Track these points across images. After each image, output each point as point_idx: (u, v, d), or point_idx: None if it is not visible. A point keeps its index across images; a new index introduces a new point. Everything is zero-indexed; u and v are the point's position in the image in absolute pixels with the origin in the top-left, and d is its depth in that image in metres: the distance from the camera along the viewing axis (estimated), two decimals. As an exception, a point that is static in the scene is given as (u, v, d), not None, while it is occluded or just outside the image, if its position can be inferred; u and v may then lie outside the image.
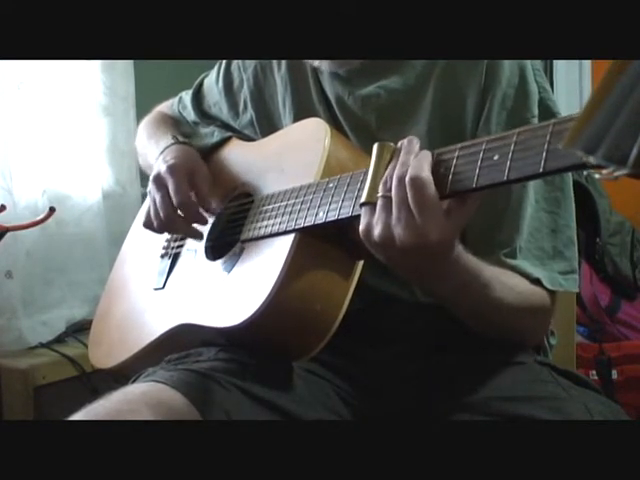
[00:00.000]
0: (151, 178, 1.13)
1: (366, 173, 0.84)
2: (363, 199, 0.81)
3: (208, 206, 1.12)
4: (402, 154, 0.80)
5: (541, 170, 0.67)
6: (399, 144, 0.83)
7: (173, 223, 1.10)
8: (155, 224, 1.12)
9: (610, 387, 2.12)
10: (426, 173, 0.77)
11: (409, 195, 0.77)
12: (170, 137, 1.22)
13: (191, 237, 1.14)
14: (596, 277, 2.29)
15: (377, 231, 0.79)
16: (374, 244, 0.80)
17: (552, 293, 0.98)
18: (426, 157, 0.78)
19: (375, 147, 0.84)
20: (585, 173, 2.13)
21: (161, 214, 1.09)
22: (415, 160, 0.78)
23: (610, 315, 2.29)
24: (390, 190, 0.79)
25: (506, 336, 0.97)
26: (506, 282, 0.92)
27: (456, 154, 0.77)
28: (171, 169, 1.10)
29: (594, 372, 2.16)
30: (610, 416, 0.88)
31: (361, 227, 0.81)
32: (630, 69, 0.49)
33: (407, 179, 0.77)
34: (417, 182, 0.76)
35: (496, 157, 0.72)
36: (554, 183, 0.99)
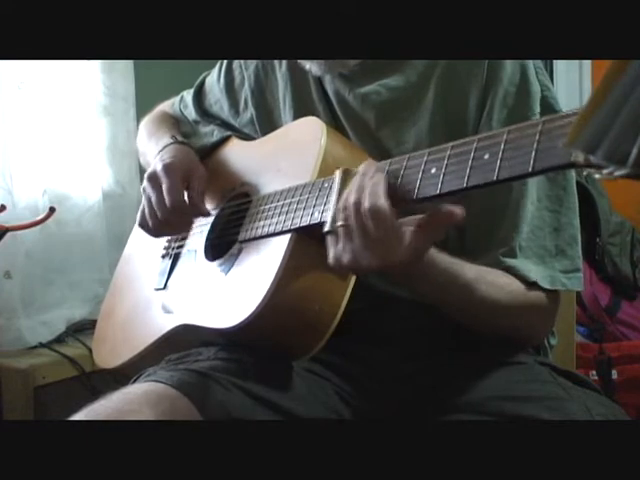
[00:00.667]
0: (146, 176, 1.12)
1: (328, 201, 0.85)
2: (327, 228, 0.83)
3: (202, 207, 1.11)
4: (358, 177, 0.82)
5: (530, 169, 0.67)
6: (359, 168, 0.84)
7: (167, 223, 1.10)
8: (150, 223, 1.11)
9: (610, 387, 2.11)
10: (382, 200, 0.78)
11: (369, 224, 0.78)
12: (169, 136, 1.22)
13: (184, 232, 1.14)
14: (596, 277, 2.29)
15: (346, 259, 0.81)
16: (345, 269, 0.82)
17: (553, 292, 0.98)
18: (380, 183, 0.79)
19: (337, 173, 0.85)
20: (585, 173, 2.14)
21: (157, 213, 1.09)
22: (370, 187, 0.79)
23: (610, 315, 2.29)
24: (349, 218, 0.80)
25: (499, 334, 0.97)
26: (494, 281, 0.93)
27: (448, 153, 0.77)
28: (167, 168, 1.10)
29: (594, 372, 2.16)
30: (610, 416, 0.88)
31: (330, 256, 0.82)
32: (630, 69, 0.49)
33: (364, 208, 0.78)
34: (374, 210, 0.77)
35: (486, 156, 0.72)
36: (557, 181, 0.99)
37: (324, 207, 0.89)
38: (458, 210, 0.77)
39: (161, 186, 1.09)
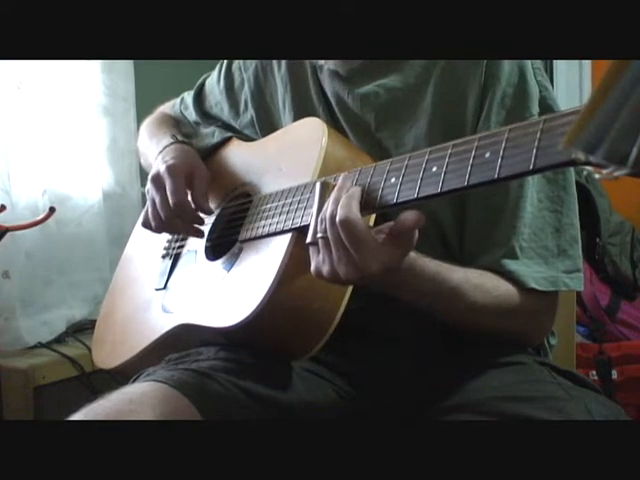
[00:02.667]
0: (149, 178, 1.13)
1: (311, 214, 0.85)
2: (308, 239, 0.84)
3: (205, 207, 1.12)
4: (335, 191, 0.83)
5: (531, 167, 0.67)
6: (337, 181, 0.85)
7: (172, 223, 1.11)
8: (153, 224, 1.12)
9: (610, 387, 2.11)
10: (354, 213, 0.79)
11: (342, 235, 0.79)
12: (170, 136, 1.22)
13: (192, 236, 1.14)
14: (596, 277, 2.29)
15: (325, 270, 0.82)
16: (326, 279, 0.83)
17: (551, 294, 0.98)
18: (354, 195, 0.80)
19: (317, 185, 0.85)
20: (585, 173, 2.14)
21: (161, 214, 1.10)
22: (345, 199, 0.80)
23: (610, 315, 2.29)
24: (326, 231, 0.81)
25: (492, 336, 0.97)
26: (481, 285, 0.93)
27: (449, 151, 0.77)
28: (169, 169, 1.10)
29: (594, 372, 2.16)
30: (610, 416, 0.88)
31: (312, 267, 0.84)
32: (630, 69, 0.49)
33: (337, 220, 0.79)
34: (346, 223, 0.78)
35: (488, 155, 0.72)
36: (557, 182, 0.99)
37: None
38: (419, 215, 0.78)
39: (165, 187, 1.09)
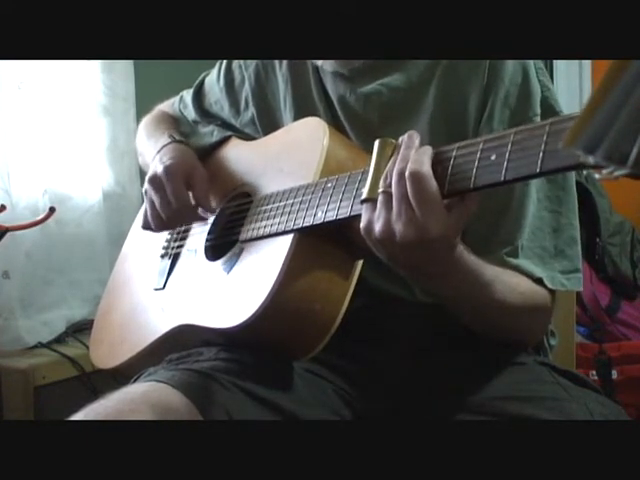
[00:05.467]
0: (147, 178, 1.13)
1: (366, 171, 0.83)
2: (364, 196, 0.81)
3: (207, 207, 1.12)
4: (402, 149, 0.80)
5: (538, 170, 0.67)
6: (400, 139, 0.82)
7: (174, 223, 1.13)
8: (153, 225, 1.12)
9: (610, 387, 2.11)
10: (426, 167, 0.76)
11: (409, 190, 0.76)
12: (167, 136, 1.22)
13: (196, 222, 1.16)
14: (596, 277, 2.30)
15: (378, 227, 0.78)
16: (375, 241, 0.80)
17: (552, 292, 0.98)
18: (426, 152, 0.78)
19: (376, 143, 0.83)
20: (585, 173, 2.14)
21: (162, 215, 1.10)
22: (415, 155, 0.78)
23: (610, 315, 2.29)
24: (390, 186, 0.78)
25: (506, 336, 0.97)
26: (508, 282, 0.92)
27: (453, 154, 0.77)
28: (168, 171, 1.10)
29: (594, 372, 2.16)
30: (610, 416, 0.88)
31: (362, 224, 0.81)
32: (630, 69, 0.49)
33: (407, 174, 0.76)
34: (417, 177, 0.76)
35: (493, 157, 0.72)
36: (557, 182, 0.99)
37: (328, 207, 0.89)
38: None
39: (164, 189, 1.09)
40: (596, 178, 2.21)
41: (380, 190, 0.79)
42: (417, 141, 0.80)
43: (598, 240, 2.26)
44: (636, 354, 2.18)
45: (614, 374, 2.15)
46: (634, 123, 0.48)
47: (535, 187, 0.98)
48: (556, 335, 1.10)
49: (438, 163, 0.78)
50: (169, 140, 1.20)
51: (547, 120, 0.68)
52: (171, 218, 1.10)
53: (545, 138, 0.67)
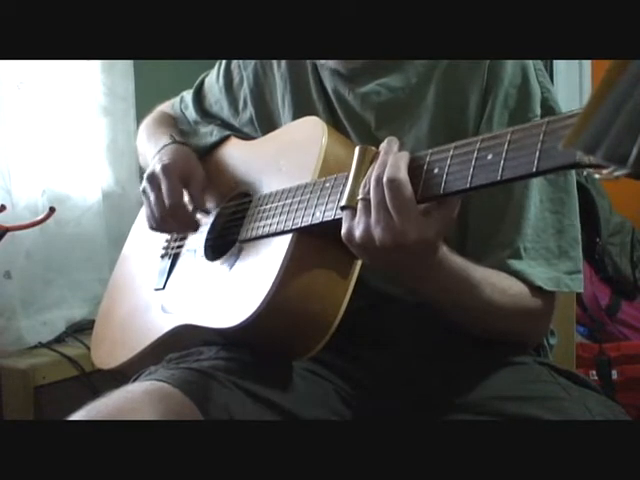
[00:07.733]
0: (145, 176, 1.14)
1: (347, 177, 0.84)
2: (343, 202, 0.83)
3: (201, 207, 1.13)
4: (381, 155, 0.81)
5: (534, 170, 0.67)
6: (380, 146, 0.84)
7: (166, 223, 1.12)
8: (149, 223, 1.14)
9: (610, 387, 2.12)
10: (402, 173, 0.78)
11: (386, 195, 0.78)
12: (167, 136, 1.22)
13: (186, 232, 1.16)
14: (596, 277, 2.29)
15: (358, 233, 0.80)
16: (356, 246, 0.82)
17: (552, 294, 0.98)
18: (403, 157, 0.79)
19: (356, 150, 0.85)
20: (585, 173, 2.14)
21: (155, 214, 1.11)
22: (392, 160, 0.79)
23: (610, 315, 2.29)
24: (369, 192, 0.80)
25: (500, 338, 0.97)
26: (497, 284, 0.93)
27: (450, 153, 0.77)
28: (165, 169, 1.11)
29: (594, 372, 2.16)
30: (610, 416, 0.88)
31: (343, 230, 0.82)
32: (630, 69, 0.49)
33: (384, 180, 0.78)
34: (393, 183, 0.77)
35: (490, 156, 0.72)
36: (558, 184, 0.99)
37: (326, 206, 0.89)
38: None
39: (160, 187, 1.10)
40: (596, 178, 2.21)
41: (359, 197, 0.81)
42: (395, 147, 0.82)
43: (598, 240, 2.26)
44: (636, 354, 2.18)
45: (614, 374, 2.15)
46: (634, 123, 0.48)
47: (537, 189, 0.98)
48: (556, 335, 1.10)
49: (415, 168, 0.78)
50: (170, 140, 1.20)
51: (543, 119, 0.68)
52: (164, 217, 1.10)
53: (542, 137, 0.67)
